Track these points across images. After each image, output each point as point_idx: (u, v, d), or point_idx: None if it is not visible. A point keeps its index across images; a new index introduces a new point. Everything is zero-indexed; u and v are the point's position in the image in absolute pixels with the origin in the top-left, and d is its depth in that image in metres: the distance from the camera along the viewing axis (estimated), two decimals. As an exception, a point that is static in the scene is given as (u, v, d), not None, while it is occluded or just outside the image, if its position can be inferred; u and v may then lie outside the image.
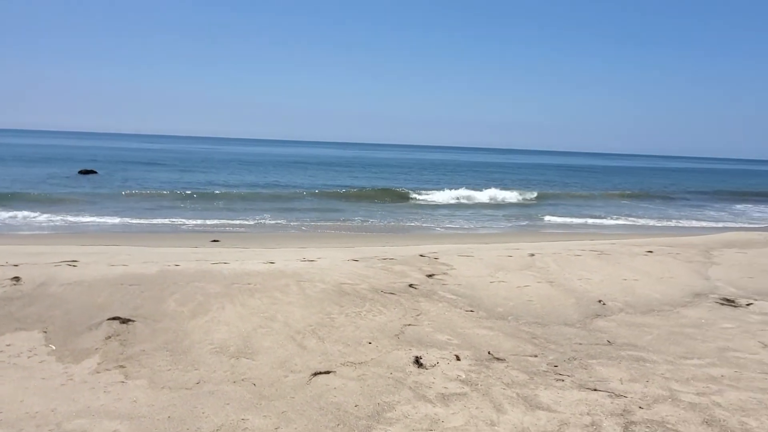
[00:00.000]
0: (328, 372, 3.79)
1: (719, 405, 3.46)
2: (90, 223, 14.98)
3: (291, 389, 3.51)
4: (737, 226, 18.87)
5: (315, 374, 3.74)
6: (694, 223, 19.70)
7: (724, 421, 3.24)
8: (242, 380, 3.62)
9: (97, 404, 3.24)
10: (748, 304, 6.11)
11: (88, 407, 3.20)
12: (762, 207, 27.05)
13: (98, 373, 3.69)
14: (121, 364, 3.83)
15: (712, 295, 6.47)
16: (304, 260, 7.68)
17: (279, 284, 5.91)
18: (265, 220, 16.26)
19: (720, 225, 19.07)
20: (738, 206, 26.96)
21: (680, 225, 19.22)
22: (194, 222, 15.55)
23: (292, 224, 15.85)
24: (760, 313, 5.78)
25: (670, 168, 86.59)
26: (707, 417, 3.29)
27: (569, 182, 40.20)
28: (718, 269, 8.01)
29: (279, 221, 16.22)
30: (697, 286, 6.88)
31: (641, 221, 19.77)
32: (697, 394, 3.62)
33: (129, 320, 4.59)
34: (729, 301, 6.21)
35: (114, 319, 4.60)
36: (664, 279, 7.22)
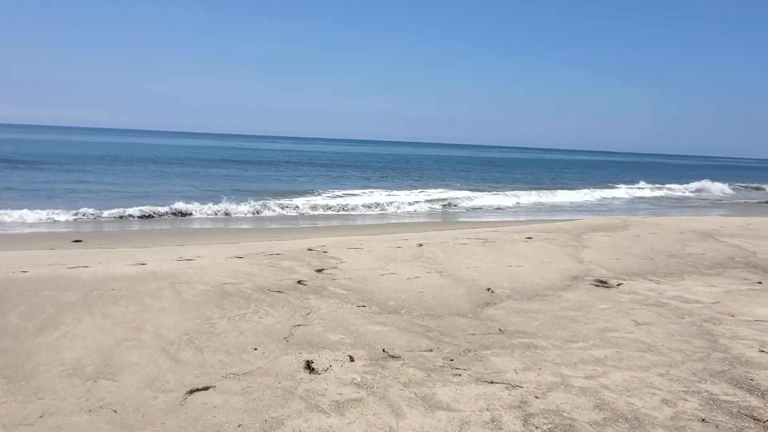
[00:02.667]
0: (206, 388, 3.34)
1: (607, 387, 3.54)
2: None
3: (161, 413, 3.02)
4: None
5: (191, 392, 3.27)
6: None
7: (613, 403, 3.31)
8: (100, 408, 3.06)
9: None
10: (618, 284, 6.53)
11: None
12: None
13: None
14: (-63, 400, 3.08)
15: (588, 278, 6.85)
16: (180, 259, 7.00)
17: (150, 288, 5.26)
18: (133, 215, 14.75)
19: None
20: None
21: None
22: (50, 219, 13.74)
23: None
24: (629, 292, 6.18)
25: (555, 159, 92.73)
26: (598, 401, 3.33)
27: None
28: (590, 252, 8.56)
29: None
30: (574, 270, 7.26)
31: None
32: (586, 377, 3.69)
33: (-47, 343, 3.76)
34: (602, 283, 6.60)
35: (-68, 342, 3.74)
36: (545, 264, 7.53)
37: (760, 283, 6.77)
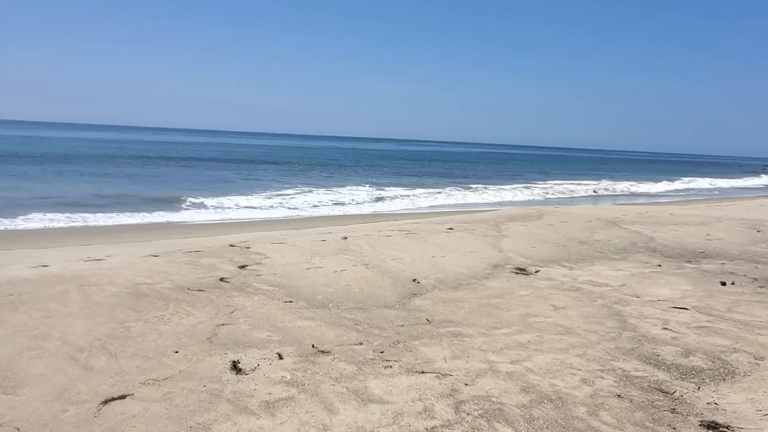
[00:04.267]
0: (123, 396, 3.11)
1: (531, 371, 3.68)
2: None
3: (72, 427, 2.78)
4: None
5: (106, 402, 3.04)
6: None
7: (537, 386, 3.44)
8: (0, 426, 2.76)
9: None
10: (536, 271, 6.83)
11: None
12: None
13: None
14: None
15: (508, 266, 7.10)
16: (88, 260, 6.52)
17: (54, 292, 4.84)
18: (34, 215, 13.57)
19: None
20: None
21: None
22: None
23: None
24: (546, 278, 6.48)
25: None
26: (524, 384, 3.45)
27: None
28: (508, 241, 8.90)
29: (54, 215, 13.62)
30: (495, 259, 7.51)
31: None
32: (512, 362, 3.82)
33: None
34: (521, 270, 6.88)
35: None
36: (467, 254, 7.74)
37: (659, 266, 7.33)
